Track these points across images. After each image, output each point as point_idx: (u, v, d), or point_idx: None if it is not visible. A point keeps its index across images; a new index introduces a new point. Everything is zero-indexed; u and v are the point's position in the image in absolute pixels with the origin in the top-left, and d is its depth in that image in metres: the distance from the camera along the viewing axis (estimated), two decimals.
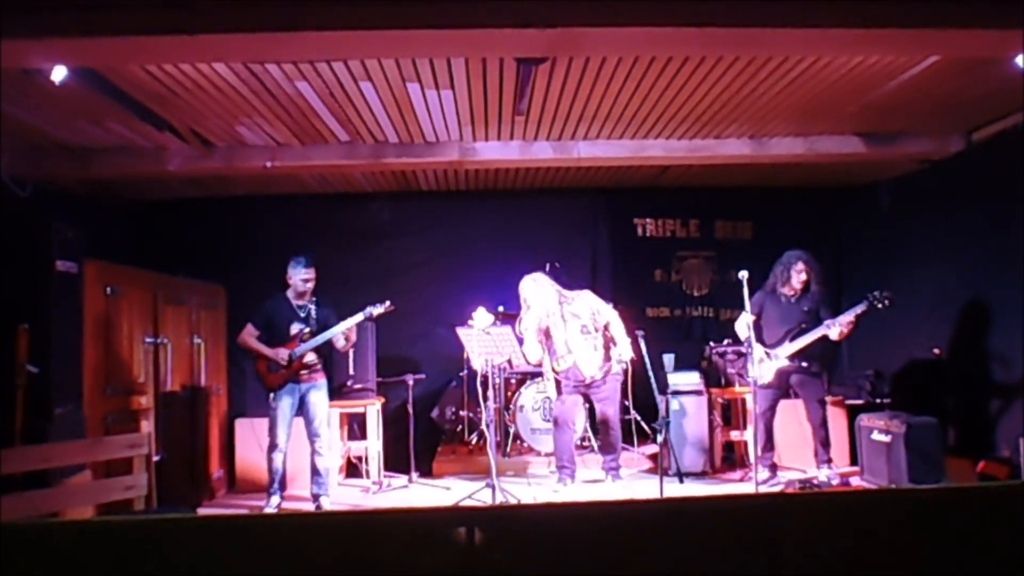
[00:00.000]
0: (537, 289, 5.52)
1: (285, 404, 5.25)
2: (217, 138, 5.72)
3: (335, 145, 5.97)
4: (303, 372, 5.30)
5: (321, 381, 5.43)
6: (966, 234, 5.92)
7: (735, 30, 3.37)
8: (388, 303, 5.41)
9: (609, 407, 5.53)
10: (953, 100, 5.11)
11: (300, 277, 5.35)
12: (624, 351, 5.53)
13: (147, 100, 4.78)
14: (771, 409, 5.70)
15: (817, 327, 5.46)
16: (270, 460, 5.27)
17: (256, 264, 7.33)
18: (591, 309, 5.58)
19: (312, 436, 5.34)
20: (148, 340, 5.66)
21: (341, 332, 5.30)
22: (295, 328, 5.31)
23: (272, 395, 5.23)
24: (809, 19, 3.35)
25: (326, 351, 5.50)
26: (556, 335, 5.52)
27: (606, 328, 5.58)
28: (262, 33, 3.29)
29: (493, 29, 3.31)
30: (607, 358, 5.55)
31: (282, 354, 5.22)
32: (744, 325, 5.47)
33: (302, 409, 5.34)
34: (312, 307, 5.40)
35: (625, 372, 5.82)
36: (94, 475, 4.30)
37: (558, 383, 5.69)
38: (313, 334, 5.31)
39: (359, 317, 5.35)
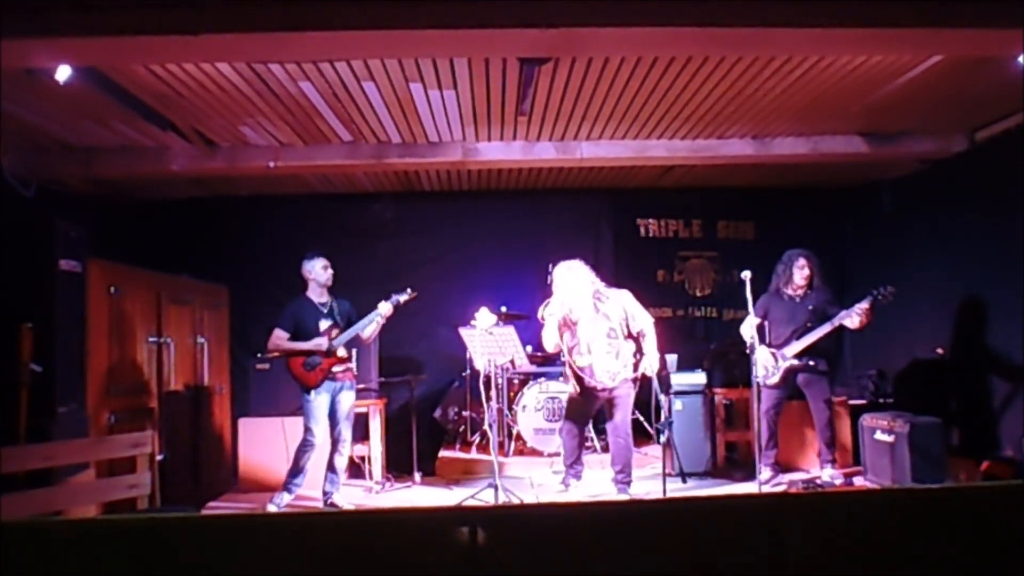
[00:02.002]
0: (570, 277, 5.14)
1: (323, 401, 5.20)
2: (220, 138, 5.72)
3: (338, 145, 5.98)
4: (338, 370, 5.27)
5: (351, 381, 5.41)
6: (969, 234, 5.91)
7: (738, 30, 3.37)
8: (410, 290, 5.36)
9: (619, 412, 5.19)
10: (956, 100, 5.11)
11: (320, 266, 5.32)
12: (651, 364, 5.12)
13: (151, 100, 4.79)
14: (775, 408, 5.66)
15: (822, 325, 5.43)
16: (301, 456, 5.20)
17: (259, 264, 7.36)
18: (625, 313, 5.18)
19: (338, 435, 5.31)
20: (151, 340, 5.68)
21: (383, 312, 5.27)
22: (324, 325, 5.27)
23: (312, 392, 5.18)
24: (812, 19, 3.35)
25: (354, 347, 5.47)
26: (581, 332, 5.16)
27: (637, 336, 5.20)
28: (265, 33, 3.29)
29: (496, 29, 3.31)
30: (632, 368, 5.15)
31: (323, 342, 5.18)
32: (749, 327, 5.45)
33: (332, 408, 5.29)
34: (333, 303, 5.39)
35: (639, 380, 5.33)
36: (97, 474, 4.31)
37: (578, 378, 5.26)
38: (341, 329, 5.30)
39: (387, 306, 5.29)
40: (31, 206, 5.55)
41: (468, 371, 6.97)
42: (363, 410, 6.32)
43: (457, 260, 7.70)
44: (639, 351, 5.21)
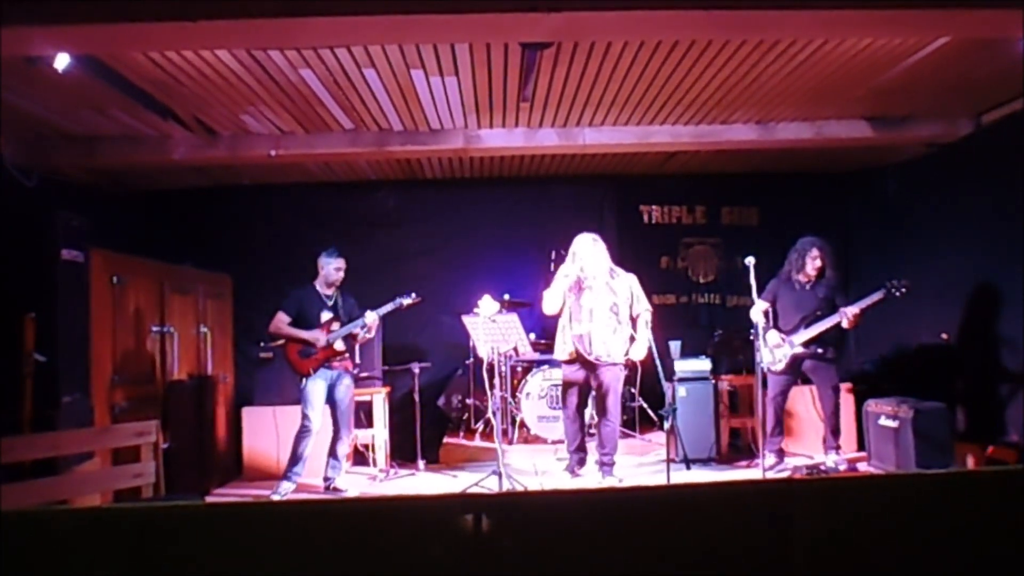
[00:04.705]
0: (594, 249, 5.30)
1: (319, 387, 5.32)
2: (221, 127, 5.71)
3: (339, 133, 5.96)
4: (335, 359, 5.38)
5: (349, 371, 5.53)
6: (974, 218, 5.87)
7: (741, 13, 3.34)
8: (414, 295, 5.54)
9: (609, 395, 5.27)
10: (962, 83, 5.06)
11: (333, 267, 5.45)
12: (638, 351, 5.30)
13: (151, 88, 4.77)
14: (783, 394, 5.67)
15: (832, 314, 5.42)
16: (299, 443, 5.28)
17: (262, 253, 7.35)
18: (631, 294, 5.34)
19: (340, 423, 5.44)
20: (155, 329, 5.69)
21: (368, 322, 5.39)
22: (325, 316, 5.40)
23: (305, 380, 5.29)
24: (816, 0, 3.32)
25: (351, 341, 5.57)
26: (586, 298, 5.24)
27: (634, 319, 5.33)
28: (265, 20, 3.27)
29: (497, 14, 3.29)
30: (623, 349, 5.28)
31: (320, 336, 5.30)
32: (759, 312, 5.45)
33: (331, 396, 5.41)
34: (339, 297, 5.51)
35: (630, 366, 5.55)
36: (102, 463, 4.33)
37: (574, 348, 5.30)
38: (341, 323, 5.39)
39: (389, 307, 5.46)
40: (33, 196, 5.54)
41: (471, 359, 6.98)
42: (367, 398, 6.34)
43: (460, 248, 7.68)
44: (631, 338, 5.32)
